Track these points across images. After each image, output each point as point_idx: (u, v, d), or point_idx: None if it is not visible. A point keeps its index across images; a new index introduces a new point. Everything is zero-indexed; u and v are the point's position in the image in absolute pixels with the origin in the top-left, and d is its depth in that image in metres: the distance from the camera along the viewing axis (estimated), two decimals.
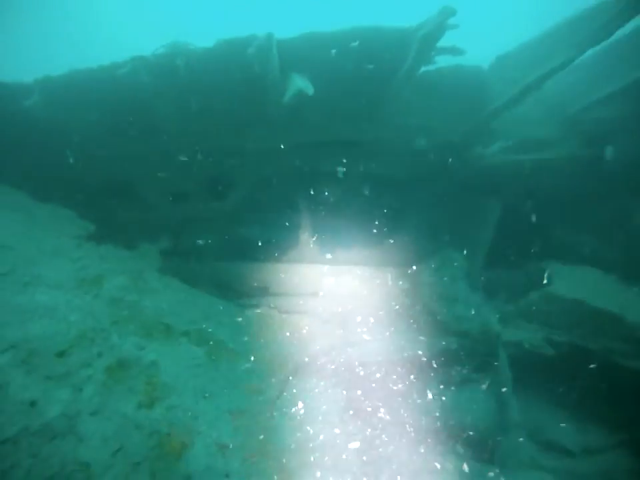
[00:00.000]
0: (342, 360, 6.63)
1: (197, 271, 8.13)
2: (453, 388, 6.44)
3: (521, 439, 5.93)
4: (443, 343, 6.75)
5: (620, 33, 7.39)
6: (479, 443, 5.86)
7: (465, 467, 5.40)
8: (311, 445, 5.30)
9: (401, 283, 8.04)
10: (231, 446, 4.90)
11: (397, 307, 7.63)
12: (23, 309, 5.26)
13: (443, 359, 6.65)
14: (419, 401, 6.27)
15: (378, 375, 6.52)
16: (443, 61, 8.36)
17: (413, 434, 5.78)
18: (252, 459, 4.86)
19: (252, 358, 6.30)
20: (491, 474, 5.43)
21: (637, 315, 6.37)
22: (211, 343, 6.36)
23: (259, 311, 7.72)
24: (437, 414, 6.05)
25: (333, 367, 6.53)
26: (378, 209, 8.98)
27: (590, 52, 7.29)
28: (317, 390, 6.18)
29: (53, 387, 4.44)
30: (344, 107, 7.93)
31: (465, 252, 7.94)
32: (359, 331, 7.16)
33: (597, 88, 7.75)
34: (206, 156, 8.47)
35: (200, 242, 8.68)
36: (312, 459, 5.10)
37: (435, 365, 6.61)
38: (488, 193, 8.57)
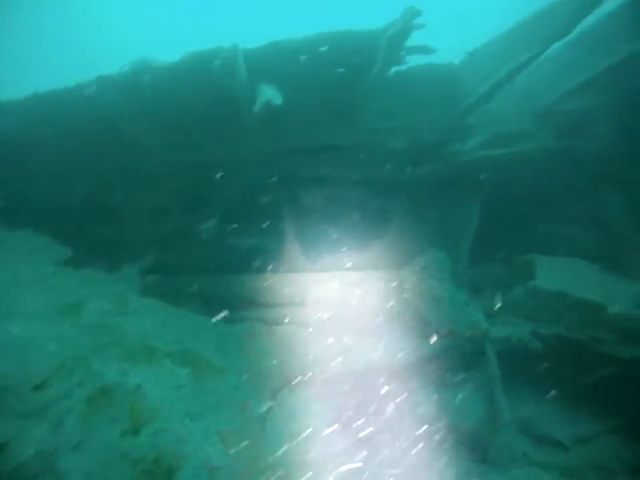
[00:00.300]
0: (333, 369, 6.57)
1: (180, 288, 7.99)
2: (443, 388, 6.43)
3: (513, 436, 5.93)
4: (432, 343, 6.72)
5: (587, 22, 7.48)
6: (470, 442, 5.86)
7: (458, 467, 5.39)
8: (304, 460, 5.22)
9: (388, 286, 8.01)
10: (220, 467, 4.82)
11: (386, 310, 7.59)
12: None
13: (432, 360, 6.64)
14: (410, 403, 6.24)
15: (369, 381, 6.48)
16: (415, 61, 8.41)
17: (404, 437, 5.76)
18: (243, 479, 4.77)
19: (240, 374, 6.19)
20: (484, 473, 5.43)
21: (620, 303, 6.43)
22: (197, 362, 6.23)
23: (246, 324, 7.62)
24: (428, 415, 6.03)
25: (323, 376, 6.47)
26: (361, 212, 8.95)
27: (559, 43, 7.36)
28: (308, 402, 6.10)
29: (28, 424, 4.27)
30: (318, 112, 7.89)
31: (448, 250, 7.94)
32: (348, 338, 7.11)
33: (568, 79, 7.80)
34: (183, 169, 8.36)
35: (182, 257, 8.54)
36: (306, 475, 5.03)
37: (424, 367, 6.59)
38: (467, 189, 8.59)
